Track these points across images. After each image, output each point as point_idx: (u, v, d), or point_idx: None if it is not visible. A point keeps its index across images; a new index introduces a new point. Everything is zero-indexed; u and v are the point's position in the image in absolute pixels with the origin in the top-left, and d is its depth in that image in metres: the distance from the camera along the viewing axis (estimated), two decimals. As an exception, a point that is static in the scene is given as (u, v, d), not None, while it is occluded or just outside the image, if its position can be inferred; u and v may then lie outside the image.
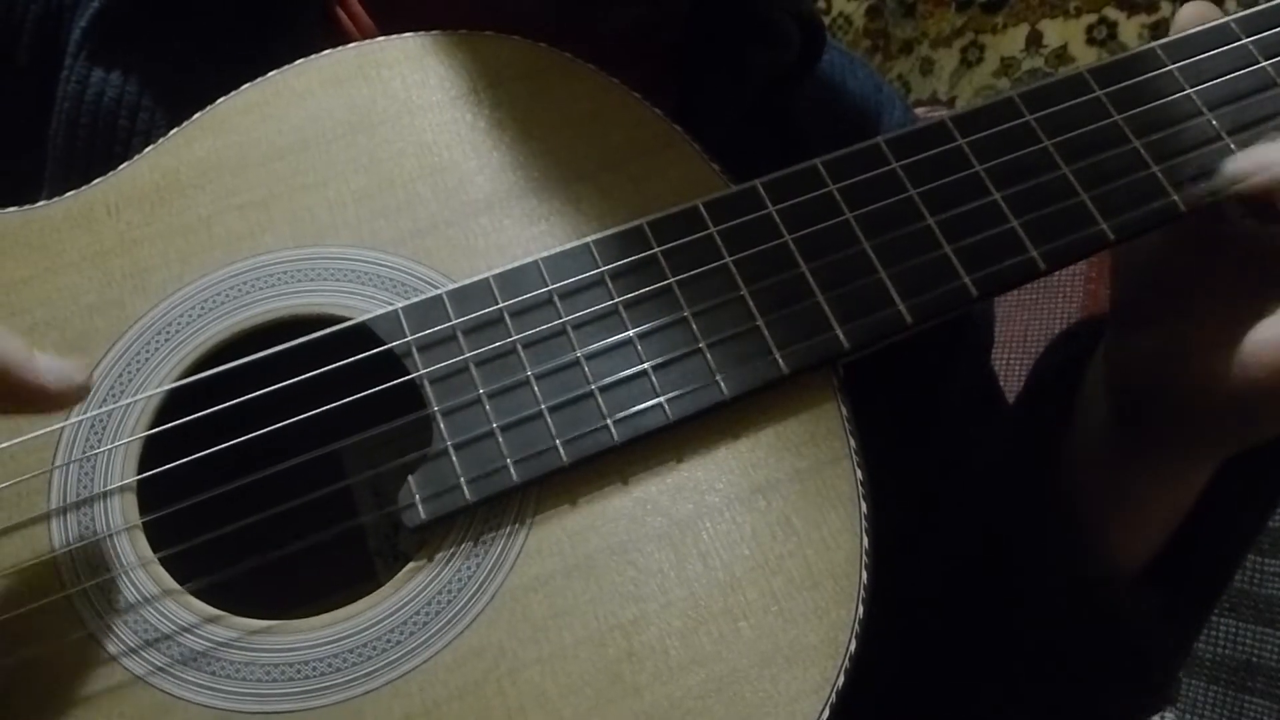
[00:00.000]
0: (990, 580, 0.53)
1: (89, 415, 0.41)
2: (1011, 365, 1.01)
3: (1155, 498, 0.49)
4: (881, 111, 0.63)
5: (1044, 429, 0.53)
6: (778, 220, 0.44)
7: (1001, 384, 0.66)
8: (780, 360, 0.42)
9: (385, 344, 0.41)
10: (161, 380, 0.41)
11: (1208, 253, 0.45)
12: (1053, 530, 0.50)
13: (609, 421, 0.40)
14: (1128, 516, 0.50)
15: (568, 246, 0.43)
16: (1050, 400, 0.53)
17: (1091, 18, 1.68)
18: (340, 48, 0.48)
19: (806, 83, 0.59)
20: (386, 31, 0.49)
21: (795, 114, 0.58)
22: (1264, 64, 0.47)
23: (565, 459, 0.40)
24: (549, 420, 0.40)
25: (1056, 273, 0.46)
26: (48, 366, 0.36)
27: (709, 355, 0.42)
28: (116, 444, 0.40)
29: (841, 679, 0.38)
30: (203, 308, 0.43)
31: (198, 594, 0.39)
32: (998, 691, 0.54)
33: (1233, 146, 0.45)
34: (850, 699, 0.38)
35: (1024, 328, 1.04)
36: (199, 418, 0.40)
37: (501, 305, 0.42)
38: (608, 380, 0.41)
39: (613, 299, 0.42)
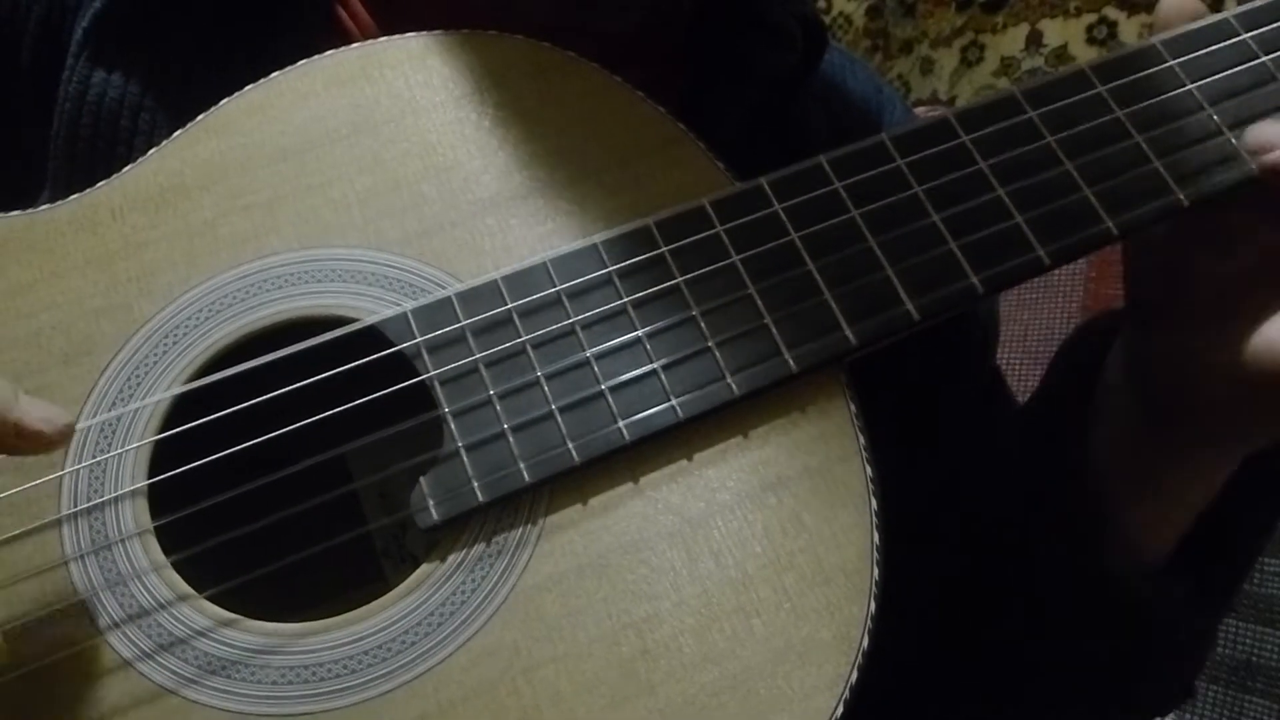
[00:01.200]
0: (1006, 577, 0.53)
1: (99, 420, 0.41)
2: (1012, 365, 1.01)
3: (1186, 487, 0.49)
4: (882, 112, 0.63)
5: (1061, 426, 0.52)
6: (784, 218, 0.44)
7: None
8: (789, 359, 0.42)
9: (395, 345, 0.41)
10: (170, 384, 0.41)
11: (1219, 251, 0.45)
12: (1075, 527, 0.50)
13: (620, 421, 0.40)
14: (1159, 504, 0.49)
15: (575, 246, 0.43)
16: (1067, 397, 0.53)
17: (1091, 17, 1.68)
18: (343, 48, 0.48)
19: (808, 84, 0.59)
20: (388, 31, 0.49)
21: (797, 115, 0.58)
22: (1264, 59, 0.47)
23: (576, 459, 0.40)
24: (560, 420, 0.40)
25: (1057, 272, 0.46)
26: (32, 408, 0.36)
27: (718, 354, 0.42)
28: (126, 448, 0.40)
29: (855, 675, 0.38)
30: (210, 310, 0.43)
31: (210, 597, 0.39)
32: (1012, 695, 0.54)
33: (1233, 141, 0.45)
34: (862, 695, 0.38)
35: (1024, 328, 1.04)
36: (209, 421, 0.40)
37: (510, 306, 0.42)
38: (618, 380, 0.41)
39: (621, 299, 0.42)
